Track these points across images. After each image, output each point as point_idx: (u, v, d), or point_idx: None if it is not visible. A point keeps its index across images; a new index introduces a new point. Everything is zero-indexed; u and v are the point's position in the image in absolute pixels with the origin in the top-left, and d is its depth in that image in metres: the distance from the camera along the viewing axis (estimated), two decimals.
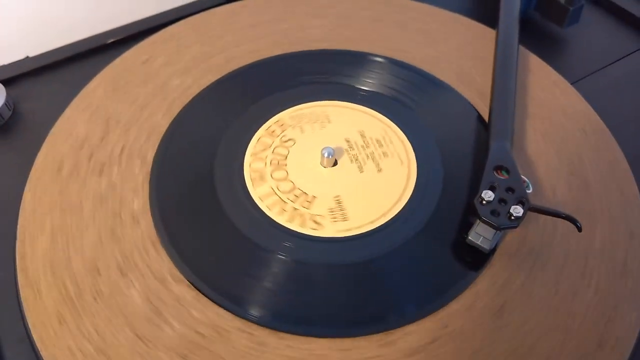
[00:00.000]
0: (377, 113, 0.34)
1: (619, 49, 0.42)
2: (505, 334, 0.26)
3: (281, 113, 0.34)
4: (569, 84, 0.37)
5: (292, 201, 0.30)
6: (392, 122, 0.34)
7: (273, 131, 0.33)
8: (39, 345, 0.25)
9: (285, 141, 0.33)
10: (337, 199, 0.30)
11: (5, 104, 0.37)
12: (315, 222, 0.29)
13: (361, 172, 0.32)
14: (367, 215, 0.30)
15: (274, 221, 0.29)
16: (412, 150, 0.33)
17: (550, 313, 0.26)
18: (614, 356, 0.25)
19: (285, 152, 0.32)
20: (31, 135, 0.36)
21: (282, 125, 0.34)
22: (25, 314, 0.26)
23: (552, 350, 0.25)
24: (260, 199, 0.30)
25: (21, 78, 0.39)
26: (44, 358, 0.25)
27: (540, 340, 0.26)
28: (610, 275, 0.28)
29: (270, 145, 0.33)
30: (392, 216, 0.29)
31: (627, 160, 0.33)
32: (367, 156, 0.32)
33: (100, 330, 0.25)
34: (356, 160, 0.32)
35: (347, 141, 0.33)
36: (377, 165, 0.32)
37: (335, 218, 0.29)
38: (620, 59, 0.42)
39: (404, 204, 0.30)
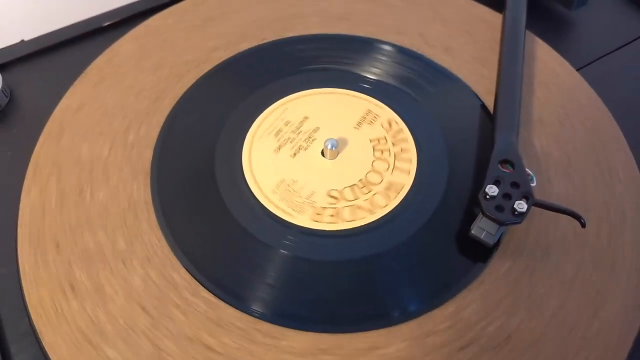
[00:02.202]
0: (371, 97, 0.34)
1: (628, 32, 0.41)
2: (509, 330, 0.26)
3: (273, 105, 0.34)
4: (575, 71, 0.36)
5: (296, 192, 0.30)
6: (390, 109, 0.33)
7: (265, 131, 0.33)
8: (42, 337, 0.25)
9: (283, 138, 0.32)
10: (337, 191, 0.30)
11: (2, 91, 0.36)
12: (331, 215, 0.29)
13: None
14: (369, 209, 0.29)
15: (277, 216, 0.29)
16: (412, 139, 0.32)
17: (553, 310, 0.27)
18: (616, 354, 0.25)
19: (286, 149, 0.32)
20: (29, 122, 0.36)
21: (282, 113, 0.33)
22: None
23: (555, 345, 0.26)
24: (265, 197, 0.30)
25: (17, 63, 0.38)
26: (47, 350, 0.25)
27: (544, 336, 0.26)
28: (612, 270, 0.28)
29: (272, 135, 0.32)
30: (393, 208, 0.29)
31: (633, 148, 0.33)
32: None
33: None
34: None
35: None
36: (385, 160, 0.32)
37: (337, 212, 0.29)
38: (629, 43, 0.41)
39: (403, 196, 0.30)
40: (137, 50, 0.37)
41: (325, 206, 0.29)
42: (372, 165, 0.31)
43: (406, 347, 0.25)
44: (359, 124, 0.33)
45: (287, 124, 0.33)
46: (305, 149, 0.32)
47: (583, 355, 0.25)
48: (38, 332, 0.26)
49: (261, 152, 0.32)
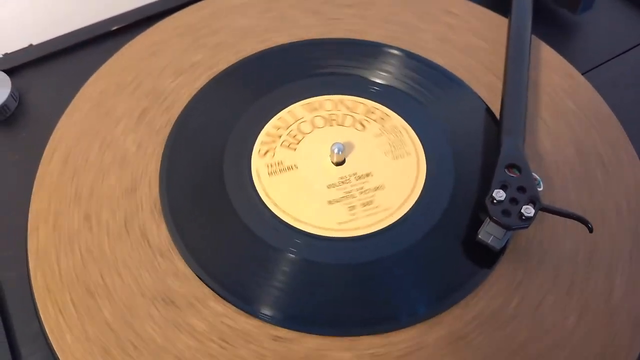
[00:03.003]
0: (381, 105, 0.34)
1: (633, 36, 0.41)
2: (516, 335, 0.26)
3: (289, 107, 0.34)
4: (581, 75, 0.36)
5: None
6: (397, 115, 0.34)
7: (279, 127, 0.33)
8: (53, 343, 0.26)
9: (294, 136, 0.33)
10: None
11: (11, 95, 0.36)
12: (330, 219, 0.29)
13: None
14: (375, 214, 0.30)
15: (284, 221, 0.29)
16: (420, 144, 0.32)
17: (559, 312, 0.27)
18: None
19: (295, 147, 0.32)
20: (38, 126, 0.36)
21: (288, 120, 0.33)
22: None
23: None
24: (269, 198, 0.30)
25: (25, 67, 0.39)
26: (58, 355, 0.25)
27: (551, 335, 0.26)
28: (620, 273, 0.28)
29: (279, 140, 0.32)
30: (401, 215, 0.29)
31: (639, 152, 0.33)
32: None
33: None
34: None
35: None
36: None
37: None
38: (635, 47, 0.41)
39: (413, 202, 0.30)
40: (151, 47, 0.37)
41: (327, 210, 0.30)
42: (377, 172, 0.31)
43: (411, 350, 0.26)
44: (364, 125, 0.33)
45: (297, 125, 0.33)
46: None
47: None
48: (48, 334, 0.26)
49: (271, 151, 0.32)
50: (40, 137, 0.34)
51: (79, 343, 0.26)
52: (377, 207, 0.30)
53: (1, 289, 0.29)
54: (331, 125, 0.33)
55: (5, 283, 0.29)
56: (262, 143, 0.32)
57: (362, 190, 0.30)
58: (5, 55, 0.39)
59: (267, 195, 0.30)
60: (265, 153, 0.32)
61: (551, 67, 0.37)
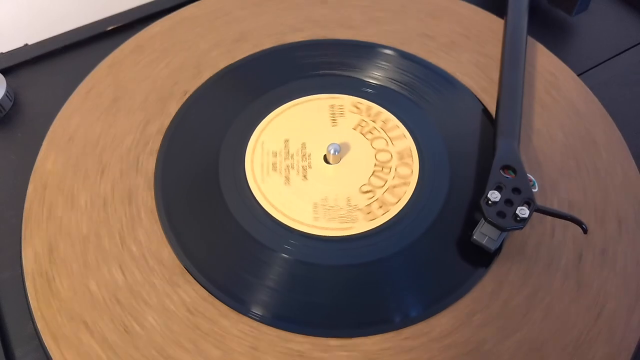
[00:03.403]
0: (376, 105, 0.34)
1: (629, 37, 0.42)
2: (511, 335, 0.26)
3: (273, 112, 0.34)
4: (576, 76, 0.37)
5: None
6: (392, 115, 0.34)
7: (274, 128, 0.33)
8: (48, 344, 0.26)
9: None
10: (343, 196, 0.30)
11: (6, 95, 0.36)
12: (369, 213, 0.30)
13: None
14: (370, 214, 0.30)
15: (280, 222, 0.29)
16: (415, 147, 0.32)
17: (555, 311, 0.27)
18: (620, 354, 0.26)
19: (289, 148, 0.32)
20: (33, 126, 0.36)
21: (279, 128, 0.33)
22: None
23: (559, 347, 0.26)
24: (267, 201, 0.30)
25: (20, 67, 0.39)
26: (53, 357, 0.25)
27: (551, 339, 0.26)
28: (614, 274, 0.28)
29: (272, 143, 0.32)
30: (394, 215, 0.29)
31: (634, 153, 0.33)
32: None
33: None
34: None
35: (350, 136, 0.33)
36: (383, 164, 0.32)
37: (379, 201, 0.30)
38: (630, 48, 0.41)
39: (404, 202, 0.30)
40: (152, 45, 0.37)
41: (367, 203, 0.30)
42: (373, 173, 0.31)
43: (405, 351, 0.26)
44: (363, 132, 0.33)
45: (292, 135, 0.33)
46: (309, 167, 0.32)
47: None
48: (42, 335, 0.26)
49: (265, 156, 0.32)
50: (36, 137, 0.34)
51: (73, 345, 0.25)
52: (374, 207, 0.30)
53: None
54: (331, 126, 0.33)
55: (0, 283, 0.29)
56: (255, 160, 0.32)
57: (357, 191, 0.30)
58: (0, 54, 0.39)
59: (266, 199, 0.30)
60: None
61: (547, 68, 0.37)
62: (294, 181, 0.31)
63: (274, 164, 0.31)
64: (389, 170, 0.31)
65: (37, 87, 0.38)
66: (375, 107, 0.34)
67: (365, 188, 0.31)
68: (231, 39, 0.37)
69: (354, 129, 0.33)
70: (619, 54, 0.41)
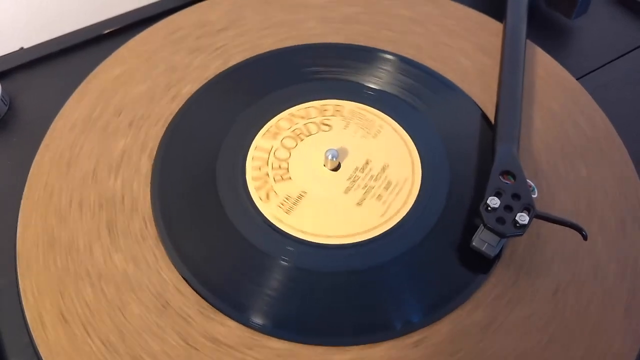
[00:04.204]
0: (377, 110, 0.34)
1: (628, 41, 0.41)
2: (509, 341, 0.26)
3: (274, 119, 0.33)
4: (575, 80, 0.36)
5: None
6: (394, 121, 0.33)
7: (275, 133, 0.33)
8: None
9: (286, 145, 0.32)
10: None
11: (2, 99, 0.36)
12: (325, 224, 0.29)
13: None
14: (372, 220, 0.29)
15: (279, 228, 0.29)
16: (412, 142, 0.32)
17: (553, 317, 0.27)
18: None
19: (286, 155, 0.32)
20: (29, 131, 0.36)
21: (280, 127, 0.33)
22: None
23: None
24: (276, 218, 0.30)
25: (16, 71, 0.38)
26: None
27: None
28: (614, 278, 0.28)
29: (271, 150, 0.32)
30: (397, 221, 0.29)
31: (634, 157, 0.33)
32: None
33: None
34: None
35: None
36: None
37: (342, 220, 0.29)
38: (630, 52, 0.41)
39: (408, 208, 0.30)
40: (150, 47, 0.37)
41: (367, 208, 0.29)
42: (372, 178, 0.31)
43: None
44: (363, 136, 0.33)
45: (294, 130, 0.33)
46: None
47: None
48: (34, 339, 0.26)
49: (264, 163, 0.32)
50: (31, 142, 0.33)
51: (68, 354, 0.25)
52: (396, 185, 0.30)
53: None
54: (324, 131, 0.33)
55: None
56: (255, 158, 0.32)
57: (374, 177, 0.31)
58: None
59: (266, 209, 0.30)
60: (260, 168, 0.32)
61: (545, 71, 0.37)
62: (293, 186, 0.31)
63: (272, 170, 0.31)
64: (388, 176, 0.31)
65: (33, 91, 0.38)
66: (375, 112, 0.34)
67: (364, 193, 0.30)
68: (228, 44, 0.37)
69: (353, 134, 0.33)
70: (618, 57, 0.41)
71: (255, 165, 0.31)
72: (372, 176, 0.31)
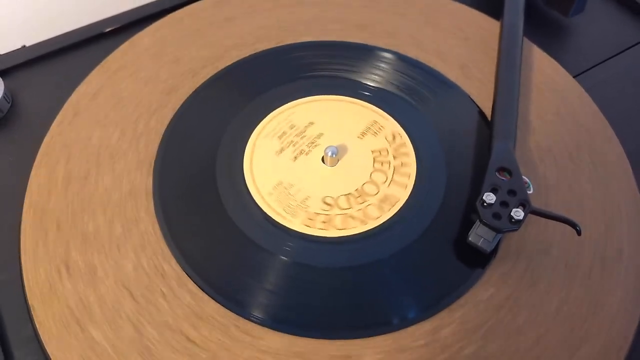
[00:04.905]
0: (377, 108, 0.34)
1: (625, 39, 0.42)
2: (507, 336, 0.26)
3: (270, 115, 0.34)
4: (572, 78, 0.37)
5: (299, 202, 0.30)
6: (389, 116, 0.34)
7: (269, 133, 0.33)
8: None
9: (286, 141, 0.33)
10: (332, 198, 0.30)
11: (4, 97, 0.36)
12: (323, 222, 0.29)
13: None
14: (361, 219, 0.30)
15: (283, 225, 0.29)
16: (408, 139, 0.33)
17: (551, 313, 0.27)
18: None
19: (288, 152, 0.32)
20: (31, 127, 0.36)
21: (279, 124, 0.33)
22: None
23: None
24: (262, 198, 0.30)
25: (18, 68, 0.39)
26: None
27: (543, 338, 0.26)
28: (607, 273, 0.28)
29: (276, 138, 0.32)
30: (386, 220, 0.30)
31: (630, 155, 0.33)
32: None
33: None
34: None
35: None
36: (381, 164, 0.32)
37: (329, 219, 0.30)
38: (626, 50, 0.41)
39: (397, 209, 0.30)
40: (155, 43, 0.37)
41: (319, 212, 0.30)
42: (370, 176, 0.31)
43: (399, 354, 0.26)
44: (363, 133, 0.33)
45: (292, 127, 0.33)
46: (307, 153, 0.32)
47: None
48: (31, 308, 0.26)
49: (263, 153, 0.32)
50: (33, 139, 0.34)
51: (59, 319, 0.26)
52: (364, 213, 0.30)
53: None
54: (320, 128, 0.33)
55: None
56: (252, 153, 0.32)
57: (352, 194, 0.31)
58: None
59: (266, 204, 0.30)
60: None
61: (542, 69, 0.37)
62: (284, 156, 0.31)
63: (283, 133, 0.32)
64: (386, 172, 0.31)
65: (34, 88, 0.38)
66: (373, 109, 0.34)
67: (362, 190, 0.31)
68: (227, 42, 0.38)
69: (372, 152, 0.33)
70: (615, 55, 0.41)
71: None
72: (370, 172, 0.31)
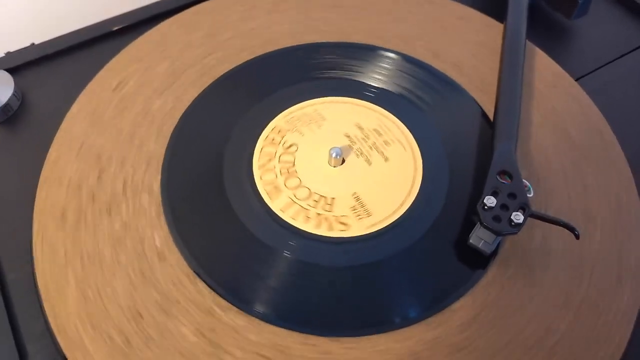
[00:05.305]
0: (378, 107, 0.35)
1: (628, 42, 0.42)
2: (504, 333, 0.27)
3: (276, 118, 0.34)
4: (574, 81, 0.37)
5: (313, 207, 0.31)
6: (395, 117, 0.34)
7: (273, 139, 0.33)
8: None
9: (288, 147, 0.33)
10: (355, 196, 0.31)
11: (14, 94, 0.37)
12: (342, 223, 0.30)
13: (369, 164, 0.32)
14: (385, 210, 0.30)
15: (303, 230, 0.30)
16: (413, 140, 0.33)
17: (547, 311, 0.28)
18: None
19: (291, 158, 0.33)
20: (41, 125, 0.36)
21: (279, 131, 0.34)
22: None
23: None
24: (281, 211, 0.31)
25: (27, 66, 0.39)
26: None
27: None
28: (606, 277, 0.29)
29: (275, 155, 0.33)
30: (396, 218, 0.30)
31: (632, 158, 0.33)
32: (371, 147, 0.33)
33: None
34: (361, 154, 0.33)
35: (347, 136, 0.34)
36: (383, 154, 0.33)
37: (359, 216, 0.30)
38: (629, 52, 0.41)
39: (408, 205, 0.31)
40: (162, 40, 0.38)
41: (321, 212, 0.30)
42: (374, 174, 0.32)
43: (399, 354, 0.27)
44: (367, 135, 0.34)
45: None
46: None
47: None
48: (54, 331, 0.27)
49: (270, 169, 0.32)
50: (43, 137, 0.34)
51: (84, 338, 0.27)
52: (368, 213, 0.31)
53: (7, 288, 0.30)
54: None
55: (10, 282, 0.30)
56: (261, 157, 0.33)
57: (356, 195, 0.31)
58: (7, 54, 0.39)
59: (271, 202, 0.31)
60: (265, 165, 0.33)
61: (544, 72, 0.37)
62: (298, 182, 0.32)
63: (281, 167, 0.32)
64: (388, 172, 0.32)
65: (44, 86, 0.38)
66: (377, 109, 0.35)
67: (366, 190, 0.31)
68: (261, 35, 0.38)
69: (354, 131, 0.34)
70: (618, 58, 0.41)
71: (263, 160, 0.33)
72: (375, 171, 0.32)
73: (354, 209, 0.31)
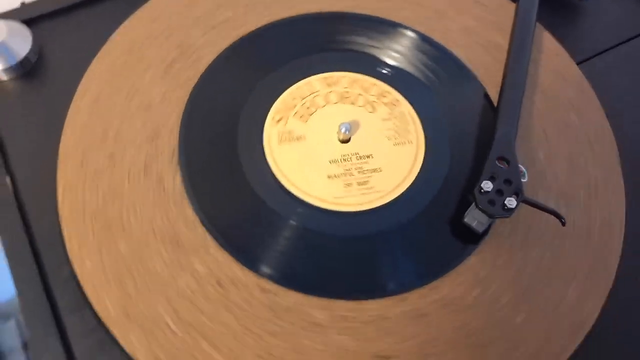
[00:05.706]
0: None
1: (636, 25, 0.43)
2: (489, 309, 0.30)
3: (307, 79, 0.36)
4: (578, 69, 0.38)
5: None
6: (409, 103, 0.36)
7: (295, 97, 0.35)
8: None
9: (308, 107, 0.35)
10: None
11: (32, 49, 0.37)
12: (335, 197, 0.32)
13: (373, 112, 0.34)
14: (368, 194, 0.32)
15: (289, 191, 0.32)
16: (422, 134, 0.35)
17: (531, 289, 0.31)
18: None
19: (306, 119, 0.34)
20: (58, 79, 0.37)
21: (304, 91, 0.35)
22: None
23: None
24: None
25: (44, 18, 0.39)
26: None
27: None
28: (591, 259, 0.32)
29: (293, 110, 0.34)
30: (392, 198, 0.32)
31: (632, 143, 0.35)
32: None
33: None
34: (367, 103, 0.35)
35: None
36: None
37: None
38: (637, 36, 0.42)
39: (405, 188, 0.33)
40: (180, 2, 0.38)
41: (374, 181, 0.32)
42: (380, 152, 0.34)
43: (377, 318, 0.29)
44: (374, 108, 0.35)
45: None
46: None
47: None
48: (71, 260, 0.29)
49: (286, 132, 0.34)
50: (61, 90, 0.35)
51: (97, 271, 0.29)
52: (371, 188, 0.33)
53: (35, 239, 0.32)
54: (344, 103, 0.35)
55: (37, 232, 0.32)
56: (277, 111, 0.34)
57: (361, 170, 0.33)
58: (23, 5, 0.39)
59: (274, 161, 0.33)
60: (279, 120, 0.34)
61: (548, 55, 0.38)
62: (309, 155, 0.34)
63: (290, 136, 0.34)
64: (395, 149, 0.34)
65: (62, 39, 0.39)
66: (386, 87, 0.36)
67: (372, 166, 0.33)
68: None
69: (362, 108, 0.35)
70: (628, 40, 0.42)
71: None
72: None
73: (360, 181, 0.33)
